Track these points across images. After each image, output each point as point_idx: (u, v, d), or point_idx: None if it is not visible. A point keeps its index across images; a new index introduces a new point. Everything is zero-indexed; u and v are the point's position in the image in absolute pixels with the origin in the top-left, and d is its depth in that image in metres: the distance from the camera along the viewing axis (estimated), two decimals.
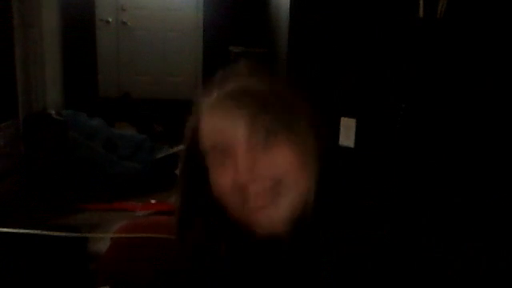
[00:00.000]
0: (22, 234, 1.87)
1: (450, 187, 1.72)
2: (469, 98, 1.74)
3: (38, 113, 3.42)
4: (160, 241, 2.09)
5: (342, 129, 2.13)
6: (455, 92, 1.78)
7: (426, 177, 1.83)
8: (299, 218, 0.66)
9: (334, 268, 0.65)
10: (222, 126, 0.66)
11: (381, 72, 2.07)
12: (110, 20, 5.52)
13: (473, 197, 1.59)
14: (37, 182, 3.16)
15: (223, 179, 0.66)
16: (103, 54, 5.44)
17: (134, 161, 3.44)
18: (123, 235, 2.05)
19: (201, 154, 0.70)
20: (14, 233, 1.86)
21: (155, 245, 2.07)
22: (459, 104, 1.77)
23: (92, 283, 1.93)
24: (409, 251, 0.65)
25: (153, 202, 2.95)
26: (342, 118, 2.14)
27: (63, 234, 1.94)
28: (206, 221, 0.72)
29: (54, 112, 3.45)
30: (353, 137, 2.12)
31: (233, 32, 5.27)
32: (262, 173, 0.64)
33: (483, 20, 1.63)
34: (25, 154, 3.22)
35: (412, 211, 0.72)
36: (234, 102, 0.66)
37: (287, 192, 0.65)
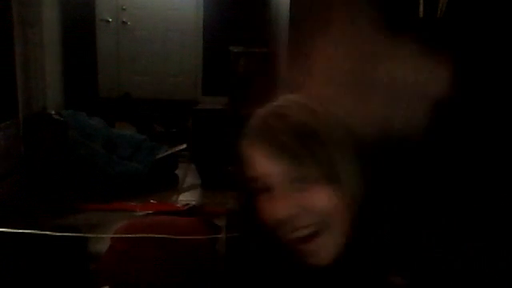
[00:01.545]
0: (22, 233, 1.87)
1: (450, 187, 1.72)
2: (469, 97, 1.74)
3: (38, 113, 3.42)
4: (160, 241, 2.09)
5: None
6: (454, 91, 1.78)
7: (426, 176, 1.83)
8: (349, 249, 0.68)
9: None
10: (262, 160, 0.69)
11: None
12: (110, 20, 5.52)
13: (473, 196, 1.58)
14: (37, 182, 3.16)
15: (267, 207, 0.69)
16: (103, 54, 5.44)
17: (133, 161, 3.44)
18: (123, 235, 2.05)
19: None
20: (14, 233, 1.86)
21: (155, 245, 2.07)
22: (459, 104, 1.76)
23: (92, 283, 1.93)
24: (409, 251, 0.65)
25: (153, 202, 2.95)
26: None
27: (63, 234, 1.94)
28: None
29: (53, 112, 3.45)
30: None
31: (233, 32, 5.26)
32: (303, 211, 0.67)
33: (483, 20, 1.63)
34: (25, 154, 3.22)
35: (412, 211, 0.72)
36: (274, 138, 0.68)
37: (332, 229, 0.67)
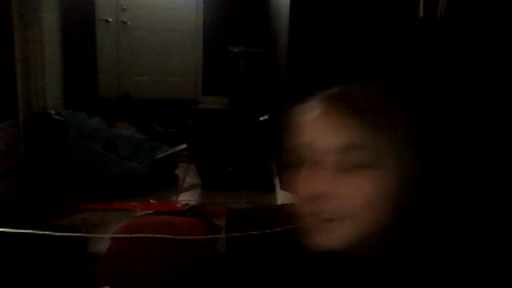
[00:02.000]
0: (22, 233, 1.87)
1: (450, 187, 1.72)
2: (468, 97, 1.74)
3: (37, 113, 3.42)
4: (160, 241, 2.09)
5: None
6: (455, 91, 1.78)
7: (426, 177, 1.83)
8: (365, 247, 0.68)
9: None
10: (320, 142, 0.68)
11: (381, 72, 2.07)
12: (110, 20, 5.52)
13: (473, 196, 1.59)
14: (37, 182, 3.16)
15: (302, 186, 0.69)
16: (103, 54, 5.44)
17: (133, 161, 3.44)
18: (123, 235, 2.05)
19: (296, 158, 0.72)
20: (14, 233, 1.86)
21: (155, 245, 2.07)
22: (459, 103, 1.77)
23: (92, 283, 1.93)
24: (410, 251, 0.65)
25: (153, 202, 2.95)
26: None
27: (63, 233, 1.94)
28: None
29: (53, 112, 3.45)
30: None
31: (233, 32, 5.27)
32: (336, 195, 0.66)
33: (484, 20, 1.63)
34: (25, 154, 3.22)
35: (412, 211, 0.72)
36: (338, 120, 0.68)
37: (348, 223, 0.67)
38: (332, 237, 0.67)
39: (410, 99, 0.72)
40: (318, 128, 0.69)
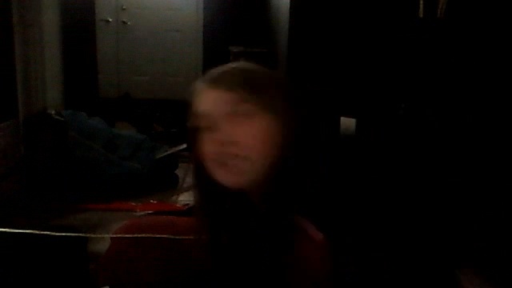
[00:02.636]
0: (22, 234, 1.87)
1: (450, 187, 1.72)
2: (468, 97, 1.74)
3: (38, 113, 3.42)
4: (160, 240, 2.09)
5: (341, 128, 2.13)
6: (455, 91, 1.78)
7: (427, 177, 1.83)
8: (268, 184, 0.84)
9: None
10: (210, 108, 0.86)
11: (381, 72, 2.07)
12: (110, 20, 5.52)
13: (473, 195, 1.59)
14: (37, 182, 3.16)
15: (208, 147, 0.86)
16: (103, 54, 5.44)
17: (133, 161, 3.44)
18: (123, 235, 2.05)
19: (198, 132, 0.88)
20: (14, 233, 1.86)
21: (155, 245, 2.07)
22: (459, 103, 1.77)
23: (92, 283, 1.93)
24: (408, 245, 0.66)
25: (153, 202, 2.95)
26: (342, 118, 2.14)
27: (63, 233, 1.94)
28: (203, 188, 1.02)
29: (53, 112, 3.45)
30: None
31: (233, 32, 5.27)
32: (236, 141, 0.82)
33: (483, 20, 1.63)
34: (25, 154, 3.22)
35: (412, 211, 0.72)
36: (218, 87, 0.88)
37: (250, 159, 0.83)
38: (236, 176, 0.83)
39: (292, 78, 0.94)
40: (209, 96, 0.88)
